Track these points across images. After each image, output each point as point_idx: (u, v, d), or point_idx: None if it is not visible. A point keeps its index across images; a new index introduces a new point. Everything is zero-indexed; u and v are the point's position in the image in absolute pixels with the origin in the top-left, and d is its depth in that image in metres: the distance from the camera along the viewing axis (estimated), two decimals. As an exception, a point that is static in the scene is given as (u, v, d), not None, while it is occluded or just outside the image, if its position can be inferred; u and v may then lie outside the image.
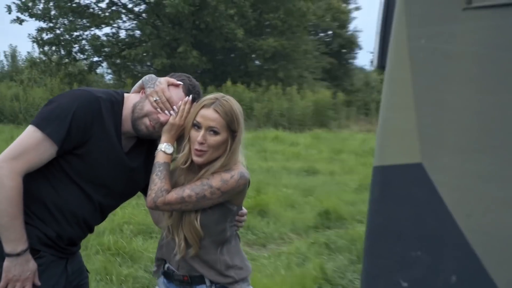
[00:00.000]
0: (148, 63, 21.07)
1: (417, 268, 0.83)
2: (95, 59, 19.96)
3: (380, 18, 0.88)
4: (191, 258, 1.82)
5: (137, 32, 20.04)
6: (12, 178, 1.67)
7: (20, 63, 22.63)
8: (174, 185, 1.80)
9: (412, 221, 0.83)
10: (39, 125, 1.71)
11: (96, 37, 19.03)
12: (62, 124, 1.70)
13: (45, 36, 18.31)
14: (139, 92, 1.90)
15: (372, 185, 0.86)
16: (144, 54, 19.73)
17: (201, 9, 18.26)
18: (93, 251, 4.02)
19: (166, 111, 1.81)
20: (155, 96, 1.81)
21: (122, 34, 20.45)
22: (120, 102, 1.83)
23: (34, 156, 1.70)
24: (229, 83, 15.98)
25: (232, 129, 1.78)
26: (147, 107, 1.81)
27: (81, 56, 19.74)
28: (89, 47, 19.13)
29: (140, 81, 1.91)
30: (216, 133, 1.75)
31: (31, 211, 1.77)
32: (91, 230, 1.95)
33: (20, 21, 17.57)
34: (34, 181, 1.76)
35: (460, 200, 0.80)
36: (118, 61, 20.51)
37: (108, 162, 1.81)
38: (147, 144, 1.93)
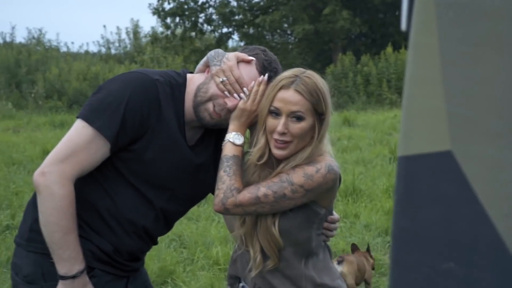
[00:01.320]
0: (288, 31, 21.63)
1: (449, 284, 0.85)
2: (224, 30, 21.10)
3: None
4: (269, 273, 1.85)
5: (274, -7, 20.65)
6: (62, 185, 1.72)
7: (142, 40, 24.87)
8: (247, 185, 1.84)
9: (442, 223, 0.85)
10: (87, 119, 1.77)
11: (225, 3, 20.07)
12: (114, 115, 1.76)
13: (167, 6, 19.83)
14: (204, 71, 1.95)
15: (396, 180, 0.89)
16: (283, 19, 20.27)
17: (353, -46, 18.17)
18: (198, 266, 4.36)
19: (235, 94, 1.85)
20: (221, 76, 1.85)
21: (256, -4, 21.20)
22: (182, 84, 1.90)
23: (86, 157, 1.76)
24: (389, 49, 15.67)
25: (319, 112, 1.81)
26: (212, 89, 1.86)
27: (208, 27, 21.02)
28: (217, 16, 20.26)
29: (205, 58, 1.96)
30: (300, 119, 1.78)
31: (83, 221, 1.84)
32: (154, 242, 2.04)
33: (139, -10, 19.36)
34: (84, 185, 1.82)
35: (497, 196, 0.80)
36: (251, 30, 21.40)
37: (170, 159, 1.88)
38: (216, 134, 1.99)
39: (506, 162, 0.80)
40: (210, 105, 1.87)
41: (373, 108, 14.10)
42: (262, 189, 1.79)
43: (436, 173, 0.86)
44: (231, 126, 1.89)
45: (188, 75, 1.96)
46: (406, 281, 0.90)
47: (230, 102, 1.86)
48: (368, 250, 4.04)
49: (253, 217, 1.87)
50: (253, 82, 1.88)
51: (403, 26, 0.92)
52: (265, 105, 1.83)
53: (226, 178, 1.81)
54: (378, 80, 14.98)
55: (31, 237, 1.87)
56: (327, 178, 1.79)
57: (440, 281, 0.86)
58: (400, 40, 18.97)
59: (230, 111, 1.88)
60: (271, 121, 1.80)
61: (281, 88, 1.80)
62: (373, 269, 4.00)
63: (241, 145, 1.88)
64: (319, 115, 1.82)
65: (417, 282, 0.89)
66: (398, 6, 20.48)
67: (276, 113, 1.79)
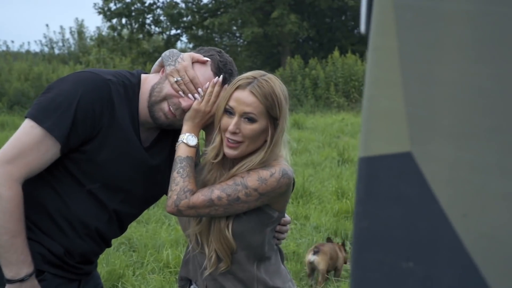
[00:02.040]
0: (237, 34, 21.69)
1: (409, 283, 0.87)
2: (173, 31, 20.97)
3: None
4: (221, 276, 1.86)
5: (222, -5, 20.66)
6: (9, 187, 1.68)
7: (88, 41, 24.43)
8: (202, 184, 1.85)
9: (402, 224, 0.87)
10: (36, 118, 1.73)
11: (173, 5, 19.96)
12: (64, 115, 1.72)
13: (113, 6, 19.54)
14: (159, 71, 1.94)
15: (357, 181, 0.90)
16: (232, 22, 20.31)
17: (301, -41, 18.38)
18: (148, 269, 4.32)
19: (189, 95, 1.85)
20: (176, 76, 1.84)
21: (204, -2, 21.17)
22: (136, 85, 1.89)
23: (35, 158, 1.71)
24: (336, 53, 15.92)
25: (273, 116, 1.81)
26: (167, 89, 1.85)
27: (156, 29, 20.84)
28: (165, 18, 20.12)
29: (160, 58, 1.95)
30: (252, 120, 1.79)
31: (32, 223, 1.81)
32: (108, 244, 2.00)
33: (85, -11, 19.02)
34: (33, 186, 1.79)
35: (456, 196, 0.82)
36: (200, 32, 21.34)
37: (123, 160, 1.86)
38: (172, 136, 1.97)
39: (464, 163, 0.82)
40: (165, 105, 1.86)
41: (321, 111, 14.28)
42: (216, 192, 1.79)
43: (396, 174, 0.87)
44: (184, 127, 1.89)
45: (143, 76, 1.95)
46: (367, 281, 0.91)
47: (184, 102, 1.86)
48: (343, 244, 4.45)
49: (208, 218, 1.87)
50: (208, 83, 1.88)
51: (362, 29, 0.93)
52: (221, 103, 1.84)
53: (180, 179, 1.81)
54: (326, 83, 15.19)
55: None
56: (281, 183, 1.80)
57: (401, 280, 0.88)
58: (347, 45, 19.31)
59: (184, 111, 1.87)
60: (225, 120, 1.81)
61: (237, 88, 1.81)
62: (345, 263, 4.36)
63: (195, 146, 1.88)
64: (273, 119, 1.82)
65: (378, 281, 0.90)
66: (344, 12, 20.87)
67: (230, 112, 1.80)
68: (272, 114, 1.81)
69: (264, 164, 1.83)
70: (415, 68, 0.85)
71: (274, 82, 1.84)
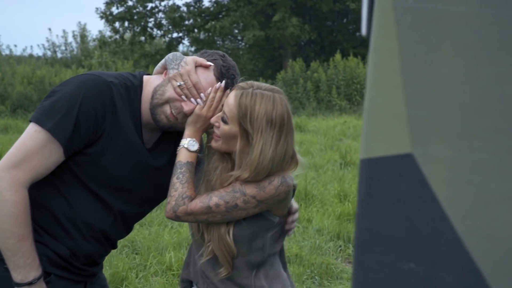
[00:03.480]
0: (238, 37, 21.71)
1: (410, 283, 0.87)
2: (175, 35, 21.00)
3: (369, -25, 0.93)
4: (220, 281, 1.86)
5: (224, -1, 20.70)
6: (15, 191, 1.69)
7: (90, 44, 24.47)
8: (202, 175, 1.87)
9: (403, 224, 0.87)
10: (40, 122, 1.74)
11: (174, 8, 20.00)
12: (67, 118, 1.73)
13: (115, 10, 19.61)
14: (162, 73, 1.95)
15: (359, 182, 0.91)
16: (234, 25, 20.34)
17: (303, -37, 18.39)
18: (151, 272, 4.31)
19: (192, 99, 1.86)
20: (179, 80, 1.85)
21: (206, 2, 21.26)
22: (138, 86, 1.90)
23: (40, 162, 1.73)
24: (338, 56, 15.92)
25: (245, 128, 1.78)
26: (169, 92, 1.86)
27: (158, 32, 20.88)
28: (167, 21, 20.16)
29: (163, 60, 1.96)
30: (224, 121, 1.81)
31: (38, 225, 1.83)
32: (113, 245, 2.02)
33: (87, -7, 19.05)
34: (39, 190, 1.81)
35: (456, 197, 0.83)
36: (201, 35, 21.37)
37: (127, 161, 1.87)
38: (174, 137, 1.98)
39: (464, 164, 0.82)
40: (167, 108, 1.87)
41: (323, 114, 14.29)
42: (214, 199, 1.79)
43: (398, 175, 0.88)
44: (186, 132, 1.90)
45: (145, 77, 1.96)
46: (368, 282, 0.92)
47: (186, 107, 1.87)
48: None
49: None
50: (210, 88, 1.89)
51: (363, 30, 0.94)
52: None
53: (179, 185, 1.82)
54: (328, 86, 15.20)
55: None
56: (279, 190, 1.80)
57: (402, 281, 0.88)
58: (348, 48, 19.32)
59: (186, 115, 1.88)
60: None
61: (233, 89, 1.85)
62: None
63: (196, 151, 1.89)
64: (245, 132, 1.79)
65: (379, 282, 0.91)
66: (345, 14, 20.89)
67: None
68: (243, 124, 1.78)
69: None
70: (416, 69, 0.86)
71: (262, 101, 1.77)
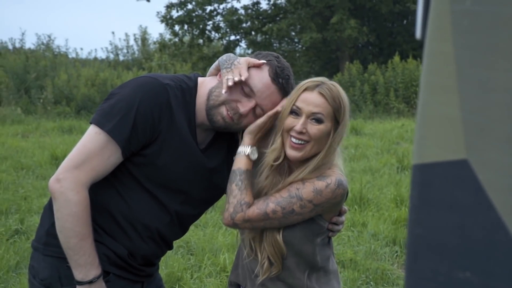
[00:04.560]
0: (295, 39, 21.67)
1: (465, 292, 0.85)
2: (232, 37, 21.14)
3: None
4: (271, 282, 1.87)
5: (281, 1, 20.70)
6: (77, 191, 1.74)
7: (151, 47, 24.98)
8: (257, 191, 1.86)
9: (457, 232, 0.85)
10: (99, 124, 1.79)
11: (232, 11, 20.13)
12: (125, 120, 1.78)
13: (175, 14, 19.94)
14: (216, 74, 1.98)
15: (411, 187, 0.89)
16: (291, 28, 20.30)
17: (362, -36, 18.18)
18: (205, 273, 4.36)
19: (246, 98, 1.87)
20: (229, 76, 1.86)
21: (264, 4, 21.32)
22: (193, 88, 1.93)
23: (100, 163, 1.78)
24: (397, 58, 15.66)
25: (337, 120, 1.81)
26: (225, 93, 1.86)
27: (216, 35, 21.08)
28: (225, 24, 20.33)
29: (216, 62, 1.99)
30: (319, 121, 1.79)
31: (98, 225, 1.87)
32: (169, 246, 2.05)
33: (147, -4, 19.40)
34: (99, 190, 1.85)
35: (514, 206, 0.80)
36: (258, 38, 21.44)
37: (182, 162, 1.90)
38: (228, 138, 2.00)
39: (523, 171, 0.80)
40: (223, 109, 1.89)
41: (380, 117, 14.08)
42: (271, 205, 1.79)
43: (452, 181, 0.86)
44: (247, 140, 1.89)
45: (199, 79, 1.99)
46: (420, 290, 0.90)
47: (242, 108, 1.88)
48: None
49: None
50: (275, 109, 1.91)
51: (418, 34, 0.92)
52: (287, 105, 1.84)
53: (238, 192, 1.82)
54: (385, 89, 14.97)
55: (48, 241, 1.89)
56: (336, 193, 1.79)
57: (455, 290, 0.86)
58: (408, 50, 18.97)
59: (242, 115, 1.89)
60: (290, 120, 1.82)
61: (305, 90, 1.83)
62: None
63: (254, 160, 1.90)
64: (337, 123, 1.83)
65: (431, 290, 0.89)
66: (405, 16, 20.52)
67: (296, 113, 1.81)
68: (337, 117, 1.82)
69: (320, 171, 1.81)
70: (472, 74, 0.83)
71: (339, 88, 1.86)
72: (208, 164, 1.96)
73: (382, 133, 11.01)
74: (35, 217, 5.46)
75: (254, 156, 1.87)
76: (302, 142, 1.80)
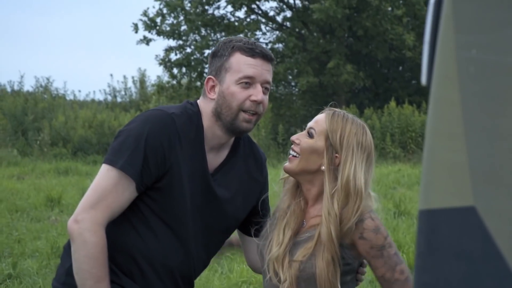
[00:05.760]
0: (292, 83, 21.88)
1: None
2: (230, 80, 21.32)
3: (429, 23, 0.92)
4: None
5: (279, 46, 20.98)
6: (94, 232, 1.74)
7: (149, 89, 25.18)
8: (278, 211, 1.89)
9: (465, 280, 0.83)
10: (111, 161, 1.81)
11: (230, 55, 20.35)
12: (135, 154, 1.79)
13: (173, 57, 20.15)
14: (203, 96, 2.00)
15: (418, 234, 0.88)
16: (288, 71, 20.51)
17: (359, 11, 18.48)
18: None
19: (252, 87, 1.88)
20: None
21: (261, 49, 21.54)
22: (198, 112, 1.94)
23: (114, 199, 1.78)
24: (393, 103, 15.80)
25: (332, 145, 1.80)
26: (234, 102, 1.88)
27: (214, 78, 21.25)
28: (222, 67, 20.50)
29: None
30: (311, 135, 1.83)
31: (115, 264, 1.85)
32: (190, 284, 1.99)
33: (147, 41, 19.66)
34: (115, 227, 1.85)
35: (523, 254, 0.79)
36: (256, 82, 21.61)
37: (194, 189, 1.89)
38: (237, 162, 2.00)
39: (532, 219, 0.79)
40: (242, 115, 1.90)
41: (376, 161, 14.03)
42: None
43: (459, 229, 0.85)
44: None
45: (198, 101, 2.01)
46: None
47: (256, 97, 1.89)
48: None
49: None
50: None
51: (423, 80, 0.93)
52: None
53: None
54: (382, 134, 15.05)
55: (67, 281, 1.88)
56: (383, 232, 1.94)
57: None
58: (404, 95, 19.13)
59: (258, 103, 1.90)
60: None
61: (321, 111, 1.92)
62: None
63: None
64: (332, 147, 1.80)
65: None
66: (401, 62, 20.79)
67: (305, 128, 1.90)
68: (331, 140, 1.81)
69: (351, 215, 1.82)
70: (478, 120, 0.84)
71: (353, 123, 1.85)
72: (217, 190, 1.95)
73: (378, 178, 11.00)
74: (29, 261, 5.37)
75: None
76: (295, 152, 1.84)
